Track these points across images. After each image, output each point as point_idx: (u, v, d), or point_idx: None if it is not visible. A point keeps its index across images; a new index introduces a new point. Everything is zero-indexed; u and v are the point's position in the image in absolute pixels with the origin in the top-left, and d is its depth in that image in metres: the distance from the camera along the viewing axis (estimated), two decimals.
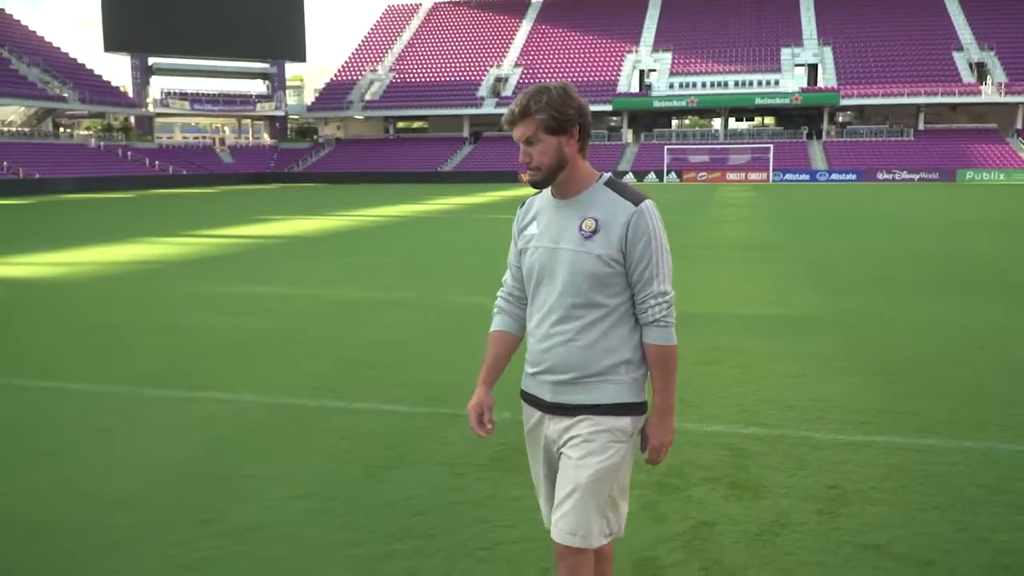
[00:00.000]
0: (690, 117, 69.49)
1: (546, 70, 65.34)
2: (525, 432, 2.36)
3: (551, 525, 2.20)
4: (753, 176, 53.24)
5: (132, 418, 4.99)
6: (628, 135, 62.63)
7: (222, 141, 67.73)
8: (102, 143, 56.11)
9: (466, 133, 64.73)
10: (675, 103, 60.20)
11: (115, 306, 9.05)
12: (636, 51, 66.34)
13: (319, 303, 9.18)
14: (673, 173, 54.31)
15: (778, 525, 3.46)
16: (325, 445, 4.48)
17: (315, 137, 69.34)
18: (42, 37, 61.51)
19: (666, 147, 55.86)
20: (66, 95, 55.14)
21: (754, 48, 62.85)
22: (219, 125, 76.77)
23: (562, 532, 2.14)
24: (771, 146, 54.55)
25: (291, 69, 74.75)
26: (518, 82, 64.68)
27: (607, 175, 2.22)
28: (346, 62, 72.06)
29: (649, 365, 2.19)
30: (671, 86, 60.87)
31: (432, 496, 3.79)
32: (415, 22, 76.00)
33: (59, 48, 61.42)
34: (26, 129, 54.04)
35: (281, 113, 68.17)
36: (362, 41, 74.66)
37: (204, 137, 71.62)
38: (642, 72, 65.47)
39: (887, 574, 3.07)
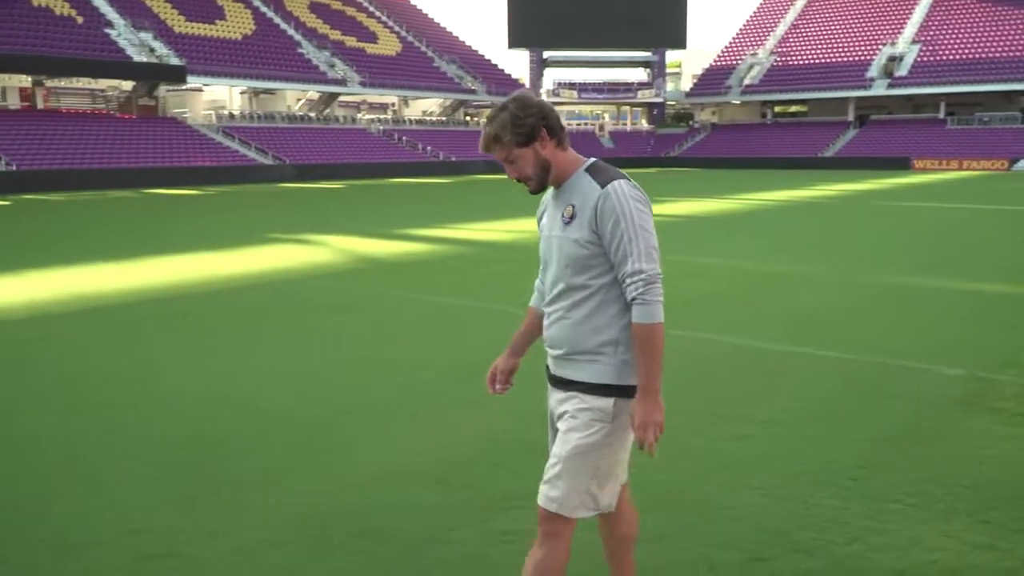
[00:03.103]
0: None
1: (950, 46, 59.31)
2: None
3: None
4: None
5: None
6: None
7: (602, 127, 71.98)
8: None
9: (851, 117, 61.33)
10: None
11: None
12: None
13: (743, 273, 10.27)
14: None
15: None
16: (785, 380, 5.52)
17: (690, 122, 70.69)
18: (456, 36, 70.43)
19: None
20: (475, 88, 62.79)
21: None
22: (599, 112, 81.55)
23: (542, 496, 2.29)
24: None
25: (670, 56, 76.77)
26: (915, 60, 59.61)
27: (590, 160, 2.34)
28: (726, 47, 72.17)
29: (634, 344, 2.24)
30: None
31: (910, 419, 4.66)
32: (800, 2, 73.42)
33: (469, 46, 69.93)
34: (443, 118, 62.69)
35: (659, 99, 70.58)
36: (744, 25, 74.14)
37: (586, 124, 76.63)
38: None
39: None
